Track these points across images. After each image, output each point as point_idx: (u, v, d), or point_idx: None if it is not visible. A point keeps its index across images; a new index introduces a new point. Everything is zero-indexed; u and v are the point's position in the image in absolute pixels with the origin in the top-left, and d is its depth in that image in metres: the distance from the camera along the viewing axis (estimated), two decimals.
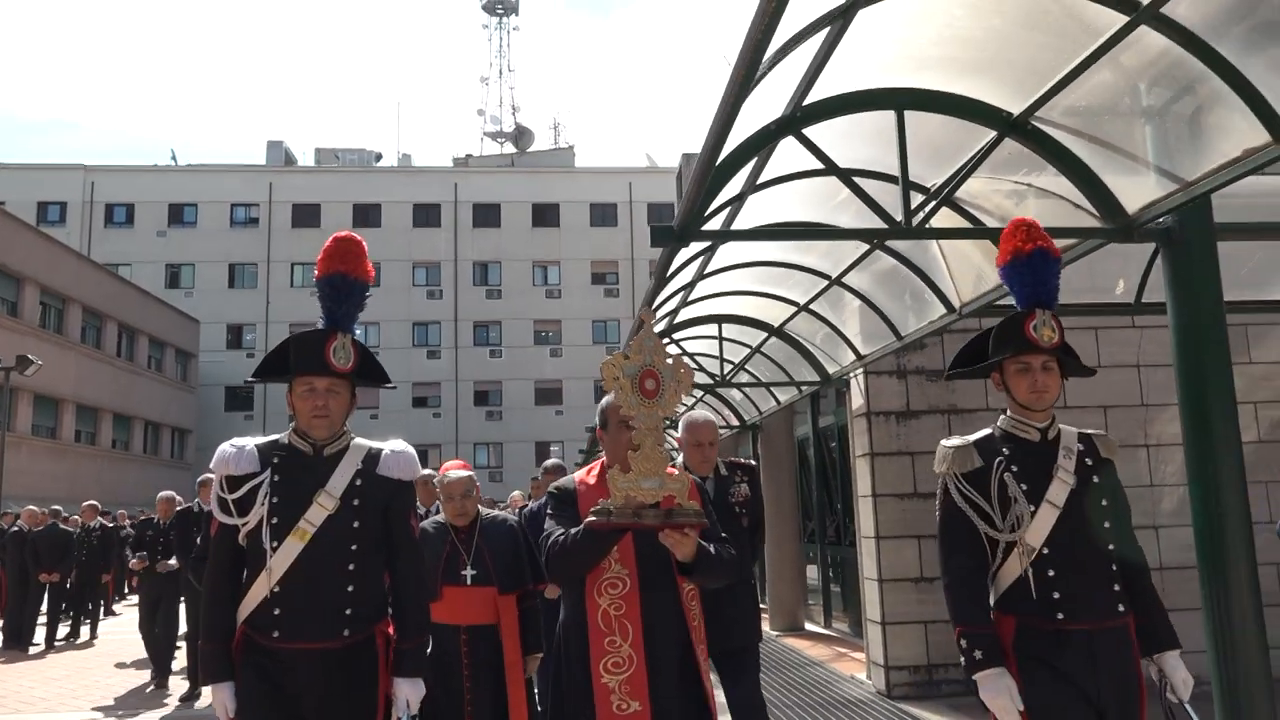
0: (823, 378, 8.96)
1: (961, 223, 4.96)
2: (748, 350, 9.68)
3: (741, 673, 4.45)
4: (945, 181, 4.64)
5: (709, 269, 7.01)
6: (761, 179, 5.02)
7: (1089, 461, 2.79)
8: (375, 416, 41.33)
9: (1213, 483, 3.85)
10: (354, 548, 2.89)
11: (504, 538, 4.26)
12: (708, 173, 3.82)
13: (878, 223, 4.44)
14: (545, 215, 48.98)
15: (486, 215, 48.67)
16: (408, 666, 2.95)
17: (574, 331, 47.60)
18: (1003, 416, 2.90)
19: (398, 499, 3.04)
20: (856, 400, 8.14)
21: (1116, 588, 2.70)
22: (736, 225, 5.49)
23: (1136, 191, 4.05)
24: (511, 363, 47.24)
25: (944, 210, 4.85)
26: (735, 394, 12.27)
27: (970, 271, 5.43)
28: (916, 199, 4.75)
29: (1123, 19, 3.29)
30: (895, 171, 4.32)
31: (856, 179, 4.58)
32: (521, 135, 59.03)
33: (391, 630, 3.00)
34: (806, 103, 4.06)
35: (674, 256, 5.71)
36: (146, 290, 41.00)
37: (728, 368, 10.52)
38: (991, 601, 2.78)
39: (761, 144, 4.20)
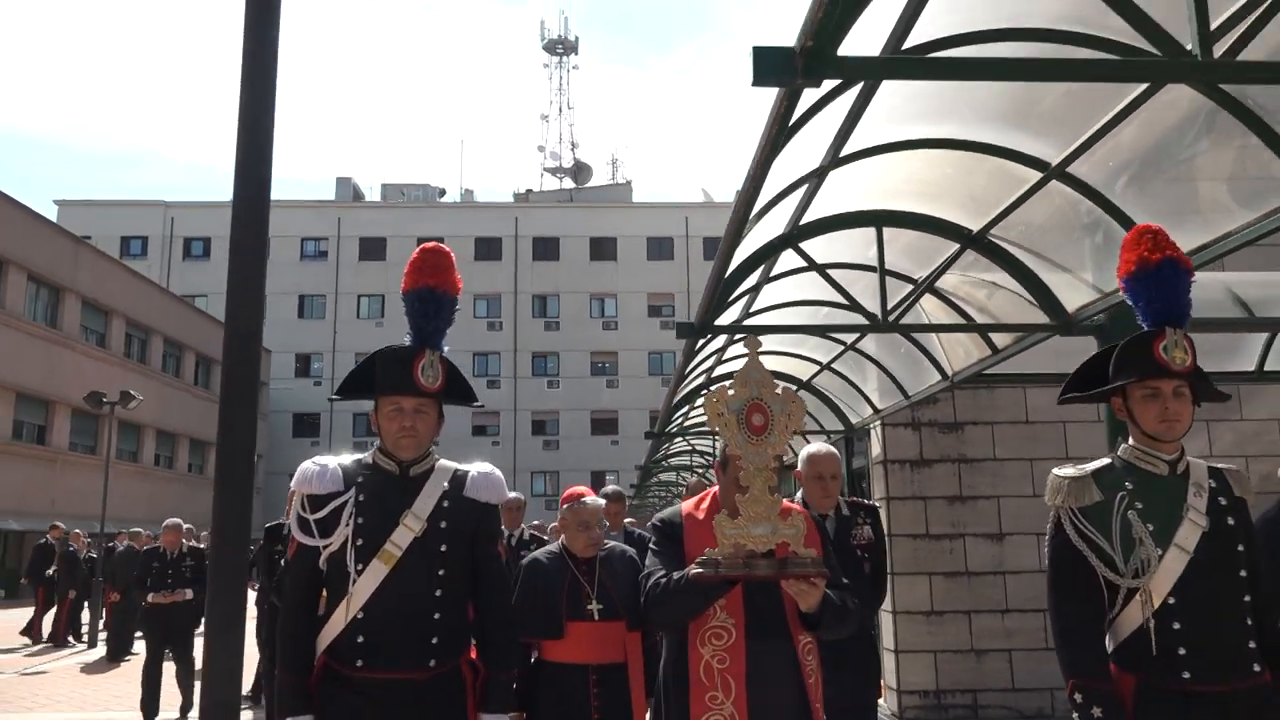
0: (846, 426, 9.82)
1: (944, 309, 5.84)
2: None
3: None
4: (924, 279, 5.54)
5: (737, 336, 7.97)
6: (775, 272, 5.95)
7: (1222, 501, 2.51)
8: (436, 443, 42.66)
9: None
10: (441, 573, 2.71)
11: (627, 568, 3.88)
12: (718, 285, 4.81)
13: (860, 319, 5.36)
14: (603, 249, 50.25)
15: (545, 249, 50.12)
16: (496, 701, 2.78)
17: (630, 363, 48.64)
18: (1124, 445, 2.60)
19: (485, 523, 2.88)
20: (875, 449, 8.97)
21: (1252, 644, 2.41)
22: (756, 306, 6.45)
23: (1074, 294, 4.92)
24: (569, 393, 48.42)
25: (929, 297, 5.74)
26: None
27: (958, 347, 6.30)
28: (904, 289, 5.66)
29: (1037, 175, 4.19)
30: (876, 273, 5.22)
31: (834, 272, 5.56)
32: (580, 171, 60.63)
33: (476, 659, 2.84)
34: (802, 222, 5.02)
35: (696, 345, 6.46)
36: (222, 322, 42.99)
37: None
38: (1109, 653, 2.50)
39: (765, 256, 5.18)
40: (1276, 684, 2.43)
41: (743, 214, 3.79)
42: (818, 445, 4.27)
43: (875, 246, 5.11)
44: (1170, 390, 2.47)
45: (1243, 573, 2.44)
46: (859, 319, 5.39)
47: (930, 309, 6.12)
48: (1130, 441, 2.58)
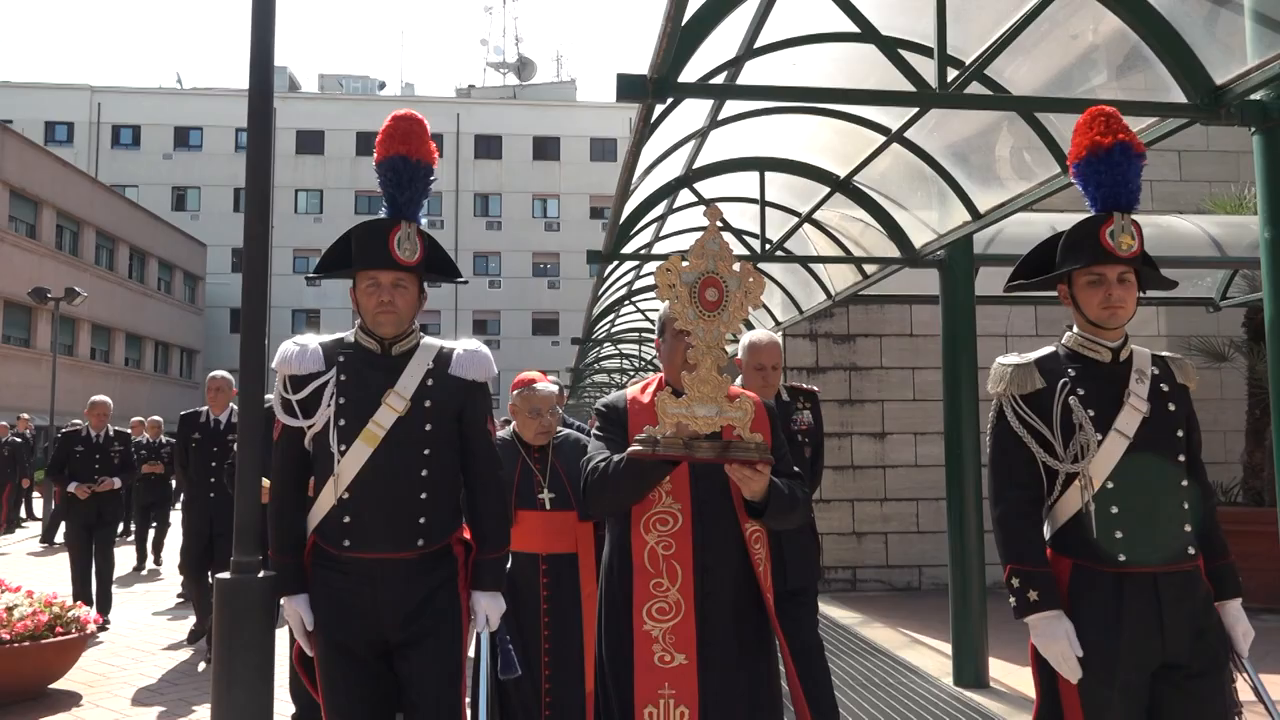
0: None
1: (827, 241, 6.72)
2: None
3: (800, 615, 4.07)
4: (804, 214, 6.36)
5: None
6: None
7: (1164, 387, 2.50)
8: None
9: (957, 431, 5.68)
10: (426, 452, 2.67)
11: (580, 457, 3.57)
12: (617, 221, 5.56)
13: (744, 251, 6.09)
14: (546, 149, 49.94)
15: (488, 146, 49.65)
16: (488, 580, 2.74)
17: (572, 264, 48.92)
18: (1068, 333, 2.58)
19: (472, 401, 2.80)
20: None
21: (1187, 528, 2.43)
22: (665, 232, 7.23)
23: (919, 234, 5.83)
24: (510, 293, 48.73)
25: (816, 231, 6.58)
26: None
27: (844, 271, 7.19)
28: (792, 222, 6.48)
29: (880, 138, 5.03)
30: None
31: (728, 207, 6.30)
32: (524, 67, 59.51)
33: (469, 539, 2.80)
34: (695, 167, 5.78)
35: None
36: (155, 214, 42.39)
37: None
38: (1046, 538, 2.51)
39: (664, 195, 5.91)
40: (1209, 569, 2.46)
41: (619, 204, 4.53)
42: (760, 333, 4.13)
43: (758, 188, 5.91)
44: (1115, 276, 2.44)
45: (1181, 457, 2.45)
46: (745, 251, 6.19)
47: (817, 241, 6.99)
48: (1074, 329, 2.56)
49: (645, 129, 4.11)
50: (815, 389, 4.44)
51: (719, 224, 2.45)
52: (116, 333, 38.15)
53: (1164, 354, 2.60)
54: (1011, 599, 2.45)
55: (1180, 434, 2.47)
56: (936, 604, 7.61)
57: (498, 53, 59.82)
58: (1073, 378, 2.47)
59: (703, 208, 6.64)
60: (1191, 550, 2.42)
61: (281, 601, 2.72)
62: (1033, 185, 4.58)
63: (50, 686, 5.71)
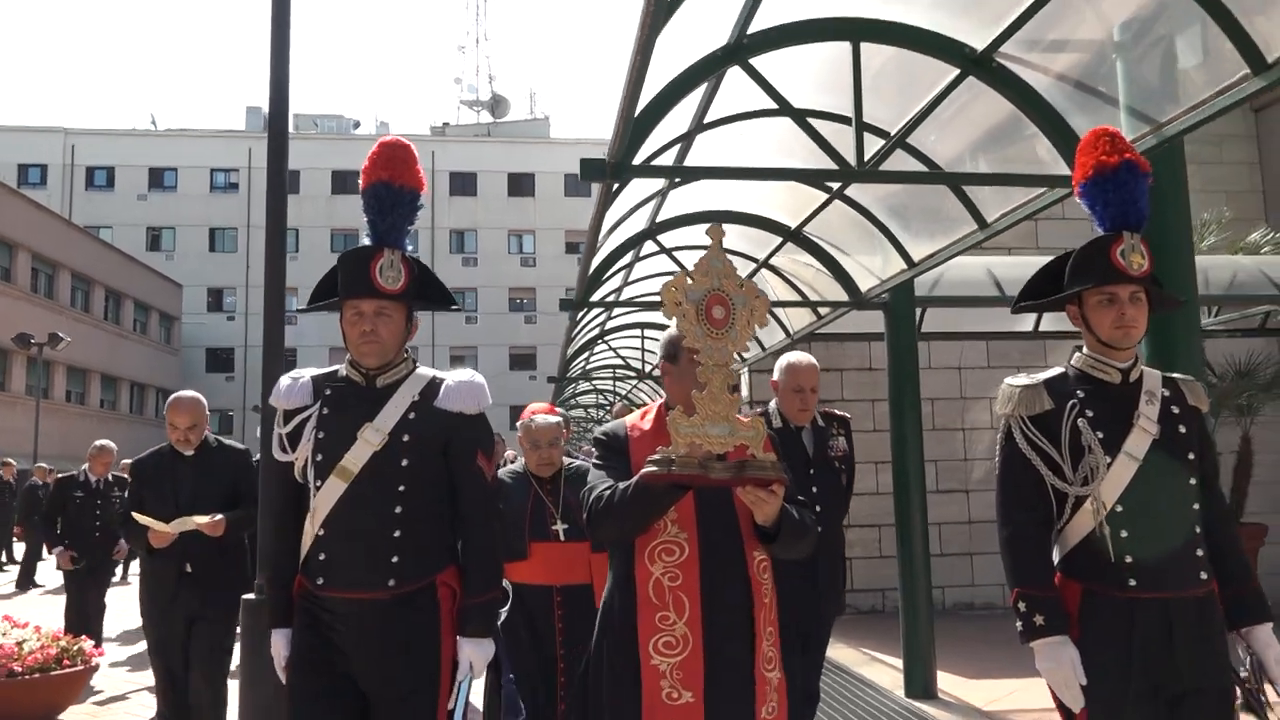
0: None
1: (784, 285, 7.25)
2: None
3: (812, 660, 4.00)
4: (759, 263, 6.88)
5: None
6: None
7: (1175, 409, 2.46)
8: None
9: (903, 461, 6.18)
10: (402, 488, 2.59)
11: None
12: (586, 274, 6.07)
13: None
14: (521, 185, 50.50)
15: (463, 184, 50.12)
16: (473, 625, 2.62)
17: (548, 299, 49.30)
18: (1077, 354, 2.55)
19: (460, 435, 2.69)
20: (744, 392, 10.44)
21: (1199, 553, 2.38)
22: (633, 277, 7.74)
23: (864, 279, 6.41)
24: (487, 329, 49.06)
25: (772, 275, 7.11)
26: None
27: (799, 312, 7.72)
28: (749, 268, 7.00)
29: (824, 195, 5.59)
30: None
31: (684, 254, 6.77)
32: (498, 104, 60.18)
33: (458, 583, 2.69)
34: (658, 220, 6.30)
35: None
36: (130, 255, 42.51)
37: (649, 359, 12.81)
38: (1055, 562, 2.47)
39: (630, 247, 6.42)
40: (1222, 594, 2.41)
41: (587, 258, 5.03)
42: (798, 355, 4.04)
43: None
44: (1127, 296, 2.42)
45: (1192, 480, 2.42)
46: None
47: (775, 284, 7.52)
48: (1084, 350, 2.53)
49: (607, 198, 4.71)
50: (848, 415, 4.31)
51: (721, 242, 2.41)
52: (92, 374, 38.16)
53: (1175, 375, 2.57)
54: (1018, 623, 2.40)
55: (1192, 456, 2.43)
56: (898, 625, 8.07)
57: (471, 90, 60.57)
58: (1082, 399, 2.44)
59: (666, 256, 7.20)
60: (1204, 575, 2.38)
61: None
62: (957, 239, 5.16)
63: (58, 718, 6.03)
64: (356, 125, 55.41)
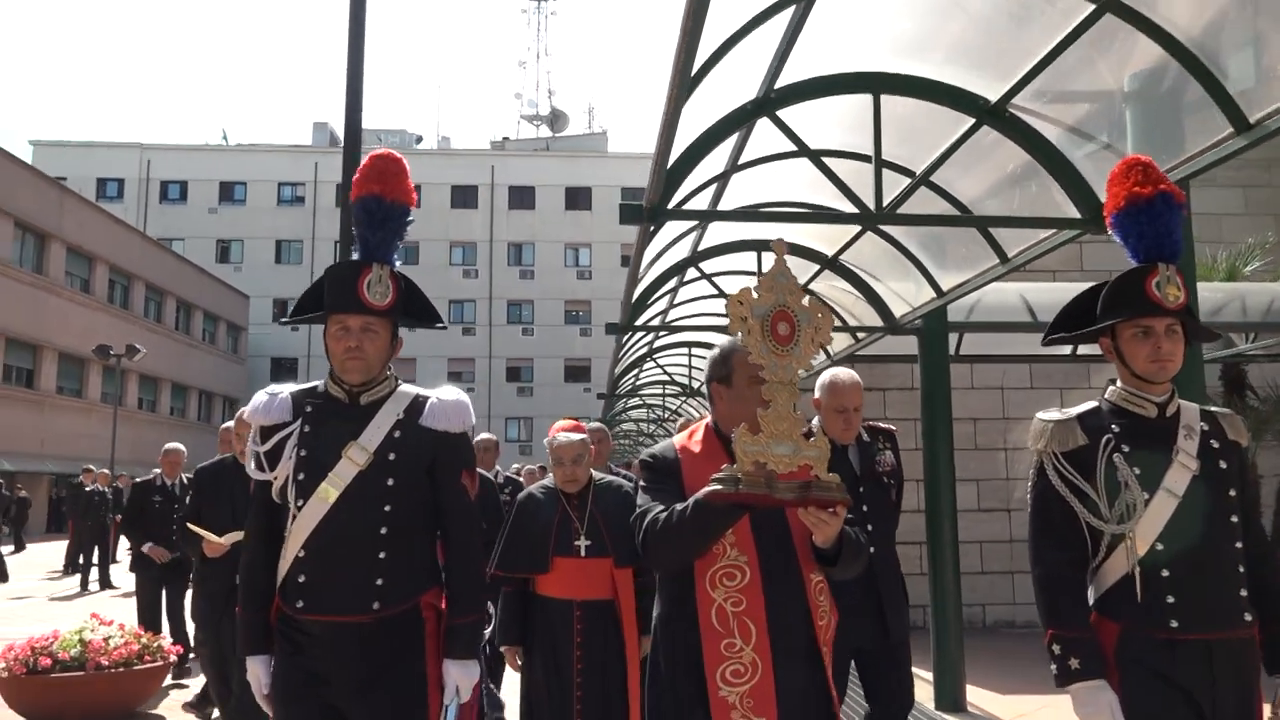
0: None
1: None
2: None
3: (903, 676, 3.99)
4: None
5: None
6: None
7: (1214, 444, 2.38)
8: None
9: (935, 481, 6.40)
10: (387, 509, 2.53)
11: (621, 505, 3.78)
12: (630, 298, 6.41)
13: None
14: (578, 198, 51.06)
15: (521, 197, 50.87)
16: (459, 647, 2.57)
17: (603, 312, 49.63)
18: (1111, 388, 2.48)
19: (444, 454, 2.64)
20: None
21: (1243, 593, 2.30)
22: (680, 299, 8.09)
23: (898, 305, 6.64)
24: (543, 340, 49.63)
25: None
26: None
27: (837, 336, 7.97)
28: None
29: (858, 227, 5.85)
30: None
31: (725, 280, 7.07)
32: (557, 119, 61.04)
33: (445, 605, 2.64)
34: (700, 248, 6.62)
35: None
36: (200, 266, 44.01)
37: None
38: (1090, 602, 2.38)
39: (673, 274, 6.76)
40: (1263, 635, 2.33)
41: (630, 288, 5.38)
42: (841, 372, 3.86)
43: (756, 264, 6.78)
44: (1163, 328, 2.35)
45: (1234, 518, 2.33)
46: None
47: None
48: (1118, 383, 2.46)
49: (645, 238, 5.04)
50: (894, 429, 4.14)
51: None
52: (163, 383, 39.53)
53: (1213, 409, 2.50)
54: (1052, 666, 2.32)
55: (1233, 493, 2.35)
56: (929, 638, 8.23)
57: (531, 105, 61.48)
58: (1117, 434, 2.36)
59: (709, 284, 7.51)
60: (1248, 617, 2.29)
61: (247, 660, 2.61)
62: (980, 271, 5.40)
63: (138, 709, 6.52)
64: (419, 140, 56.59)
